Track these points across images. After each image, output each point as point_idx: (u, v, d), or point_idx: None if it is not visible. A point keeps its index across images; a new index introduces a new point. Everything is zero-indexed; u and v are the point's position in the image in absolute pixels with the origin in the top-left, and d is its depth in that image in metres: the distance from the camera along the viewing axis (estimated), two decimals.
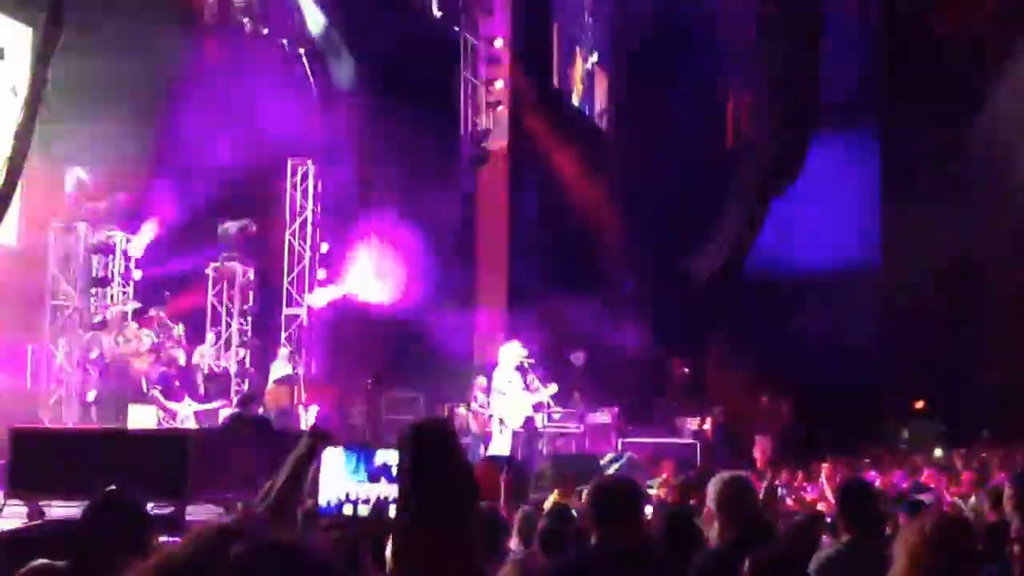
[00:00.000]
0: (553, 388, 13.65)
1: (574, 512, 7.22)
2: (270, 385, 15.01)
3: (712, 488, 5.04)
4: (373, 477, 1.42)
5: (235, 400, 12.86)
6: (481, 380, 14.78)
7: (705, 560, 4.60)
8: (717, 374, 18.94)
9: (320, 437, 1.30)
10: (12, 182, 6.00)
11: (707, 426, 17.33)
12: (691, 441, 16.53)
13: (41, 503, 8.31)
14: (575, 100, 22.04)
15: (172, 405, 12.95)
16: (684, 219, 20.78)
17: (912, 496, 7.16)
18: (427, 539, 1.21)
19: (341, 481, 1.42)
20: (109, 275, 14.09)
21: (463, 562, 1.22)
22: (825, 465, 11.42)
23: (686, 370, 18.57)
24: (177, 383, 13.38)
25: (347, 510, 1.38)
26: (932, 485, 9.19)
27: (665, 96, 21.10)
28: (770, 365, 18.74)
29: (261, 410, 13.52)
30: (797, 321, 19.48)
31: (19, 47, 12.40)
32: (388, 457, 1.38)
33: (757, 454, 17.20)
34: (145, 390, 13.32)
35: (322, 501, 1.29)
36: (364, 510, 1.37)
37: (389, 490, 1.34)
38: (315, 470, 1.39)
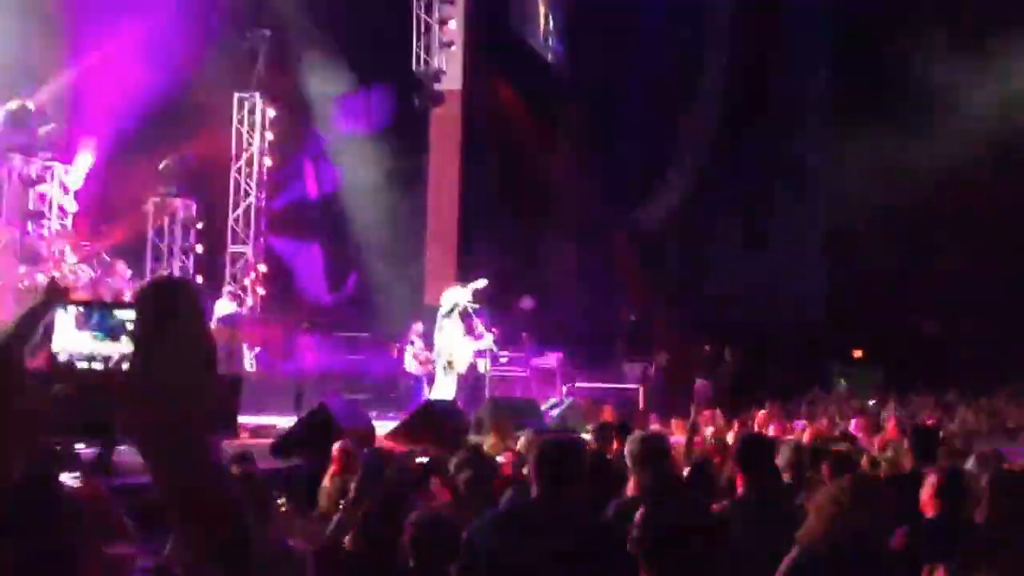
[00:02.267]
0: (491, 336, 13.63)
1: (500, 459, 7.26)
2: (213, 324, 14.87)
3: (628, 445, 5.15)
4: (112, 335, 1.37)
5: None
6: (418, 325, 14.76)
7: (617, 510, 4.66)
8: (662, 320, 19.04)
9: (56, 293, 1.26)
10: None
11: (651, 372, 17.46)
12: (635, 386, 16.66)
13: None
14: (532, 39, 21.78)
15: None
16: (638, 166, 20.75)
17: (834, 446, 7.24)
18: (152, 394, 1.17)
19: (78, 337, 1.38)
20: (45, 207, 13.79)
21: (185, 418, 1.19)
22: (760, 412, 11.56)
23: (632, 317, 18.66)
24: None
25: (82, 365, 1.35)
26: (859, 435, 9.32)
27: (625, 36, 20.94)
28: (713, 312, 18.88)
29: None
30: (740, 267, 19.62)
31: None
32: (126, 315, 1.33)
33: (698, 398, 17.38)
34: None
35: (59, 357, 1.27)
36: (99, 366, 1.34)
37: (127, 348, 1.30)
38: (48, 324, 1.34)
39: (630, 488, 5.39)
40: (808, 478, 6.67)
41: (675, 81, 21.23)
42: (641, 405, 15.64)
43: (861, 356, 19.42)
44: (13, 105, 13.05)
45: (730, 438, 10.45)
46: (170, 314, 1.24)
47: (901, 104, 18.31)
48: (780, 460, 6.53)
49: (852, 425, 9.96)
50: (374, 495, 5.16)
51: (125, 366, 1.23)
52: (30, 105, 13.25)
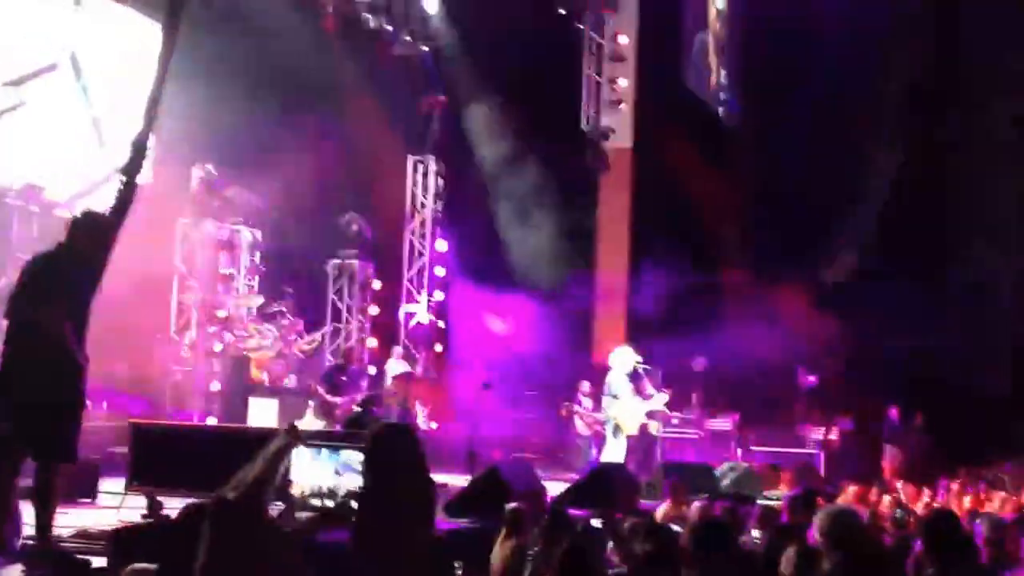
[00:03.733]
0: (664, 397, 13.33)
1: (678, 528, 7.02)
2: (389, 382, 15.13)
3: (817, 520, 4.87)
4: (339, 473, 1.40)
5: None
6: (585, 384, 14.61)
7: None
8: (844, 381, 18.24)
9: (295, 436, 1.32)
10: (130, 191, 6.08)
11: (832, 436, 16.72)
12: (814, 451, 15.98)
13: (160, 497, 8.38)
14: (703, 92, 21.56)
15: (333, 399, 13.08)
16: (814, 220, 20.15)
17: None
18: (382, 530, 1.20)
19: (311, 476, 1.42)
20: (234, 269, 14.37)
21: (412, 551, 1.23)
22: (954, 483, 10.89)
23: (812, 378, 17.94)
24: (344, 378, 13.57)
25: (316, 502, 1.38)
26: None
27: (796, 92, 20.50)
28: (899, 371, 17.98)
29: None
30: (928, 323, 18.59)
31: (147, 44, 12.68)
32: (352, 456, 1.36)
33: (885, 465, 16.53)
34: (267, 382, 13.62)
35: (295, 493, 1.31)
36: (330, 502, 1.37)
37: (353, 484, 1.32)
38: (286, 465, 1.39)
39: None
40: (1009, 556, 6.18)
41: (852, 131, 20.60)
42: (822, 471, 14.98)
43: None
44: (203, 171, 13.73)
45: (920, 509, 9.89)
46: (394, 460, 1.38)
47: None
48: (977, 537, 6.07)
49: None
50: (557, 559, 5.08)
51: (353, 503, 1.28)
52: (215, 171, 13.91)
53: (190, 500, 7.68)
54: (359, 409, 11.98)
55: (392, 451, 1.14)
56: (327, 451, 1.22)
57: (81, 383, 5.84)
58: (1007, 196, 20.30)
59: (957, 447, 15.96)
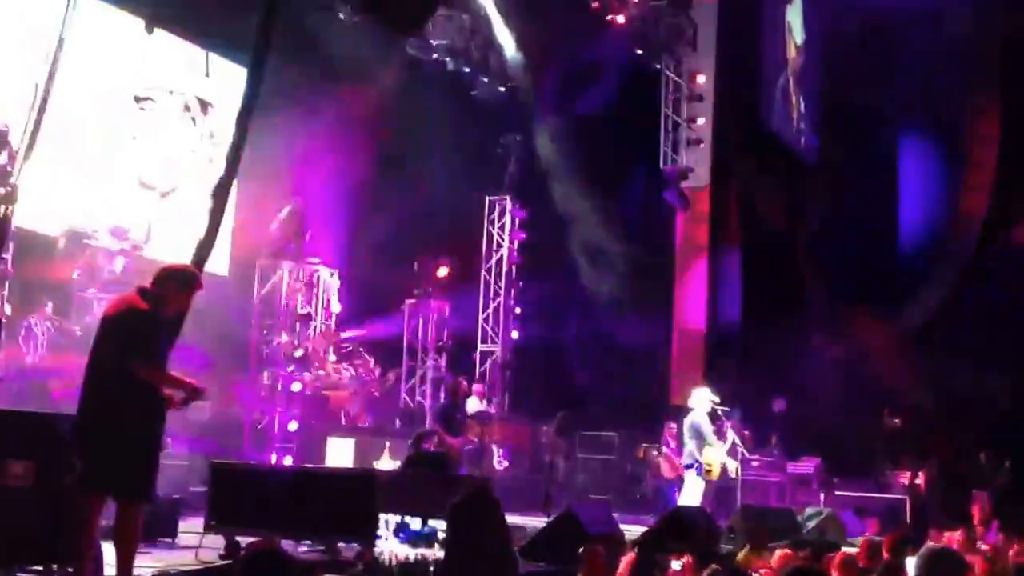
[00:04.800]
0: (732, 436, 12.99)
1: (755, 575, 6.85)
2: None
3: (917, 560, 4.69)
4: (426, 541, 1.35)
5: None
6: (672, 425, 14.40)
7: None
8: (933, 426, 17.71)
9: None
10: (213, 234, 6.16)
11: (919, 481, 16.20)
12: (901, 496, 15.51)
13: (238, 537, 8.38)
14: (784, 130, 21.29)
15: (452, 440, 13.02)
16: (901, 258, 19.74)
17: None
18: None
19: (394, 543, 1.37)
20: (312, 309, 14.52)
21: None
22: None
23: (897, 421, 17.46)
24: (458, 416, 13.55)
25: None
26: None
27: (877, 126, 20.17)
28: (990, 414, 17.42)
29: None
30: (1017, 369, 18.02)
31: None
32: (436, 524, 1.31)
33: (974, 512, 15.96)
34: (343, 421, 13.70)
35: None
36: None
37: (437, 553, 1.28)
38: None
39: None
40: None
41: (940, 165, 20.20)
42: (908, 517, 14.53)
43: None
44: (284, 212, 13.95)
45: (1012, 558, 9.51)
46: (476, 528, 1.39)
47: None
48: None
49: None
50: None
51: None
52: (295, 211, 14.12)
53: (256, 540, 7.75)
54: (411, 449, 11.84)
55: (474, 520, 1.11)
56: (414, 522, 1.17)
57: (160, 426, 5.89)
58: None
59: None
